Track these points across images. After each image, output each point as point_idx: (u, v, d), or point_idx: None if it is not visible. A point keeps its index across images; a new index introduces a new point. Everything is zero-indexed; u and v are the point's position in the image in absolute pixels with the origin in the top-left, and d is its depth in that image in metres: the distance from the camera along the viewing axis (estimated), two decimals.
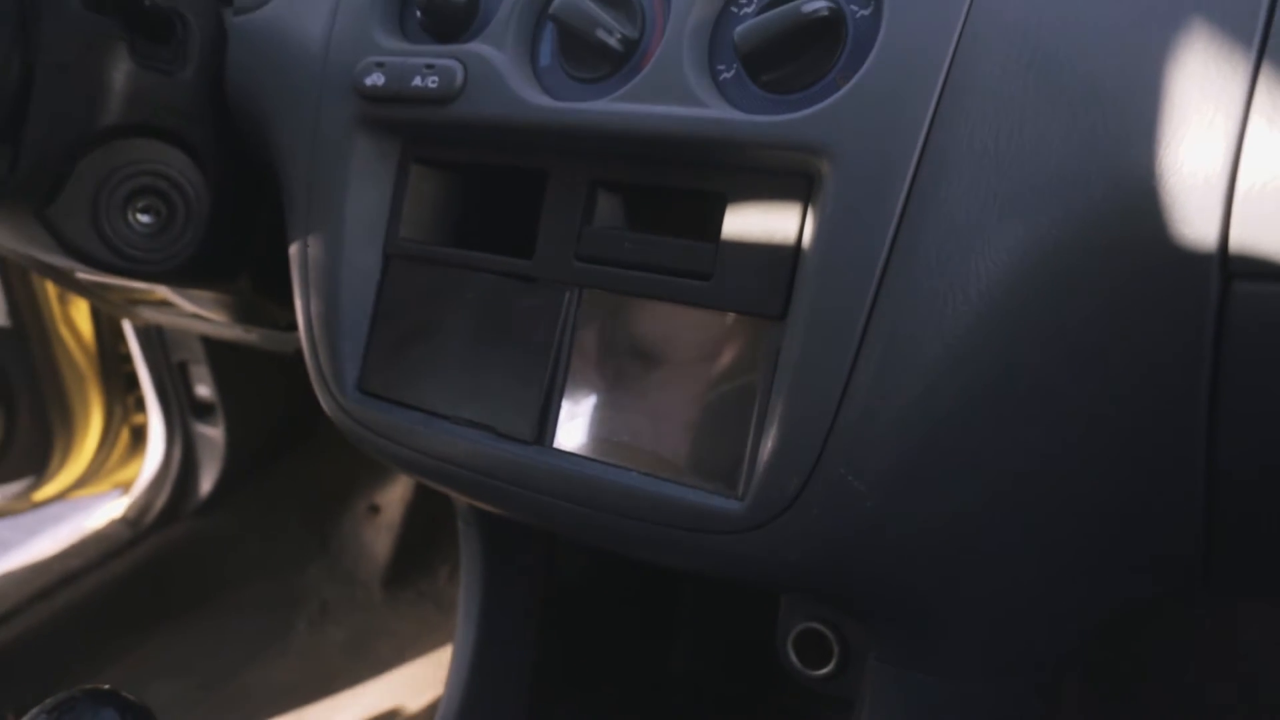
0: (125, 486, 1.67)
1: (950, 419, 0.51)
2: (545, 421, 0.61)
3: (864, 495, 0.51)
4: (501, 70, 0.63)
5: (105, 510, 1.65)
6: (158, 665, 1.40)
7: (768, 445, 0.53)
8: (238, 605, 1.58)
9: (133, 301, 1.25)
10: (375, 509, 1.64)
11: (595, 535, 0.61)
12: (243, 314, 1.05)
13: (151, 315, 1.35)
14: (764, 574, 0.57)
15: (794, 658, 0.68)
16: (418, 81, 0.66)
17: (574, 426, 0.61)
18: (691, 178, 0.58)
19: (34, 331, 1.58)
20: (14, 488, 1.65)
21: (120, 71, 0.79)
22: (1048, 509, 0.54)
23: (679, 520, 0.56)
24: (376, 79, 0.68)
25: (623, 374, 0.60)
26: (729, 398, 0.56)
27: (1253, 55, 0.46)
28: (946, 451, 0.51)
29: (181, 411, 1.60)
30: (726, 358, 0.57)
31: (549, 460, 0.61)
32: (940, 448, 0.51)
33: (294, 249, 0.73)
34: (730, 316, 0.56)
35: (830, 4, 0.54)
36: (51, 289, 1.56)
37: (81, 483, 1.68)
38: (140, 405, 1.65)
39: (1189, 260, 0.48)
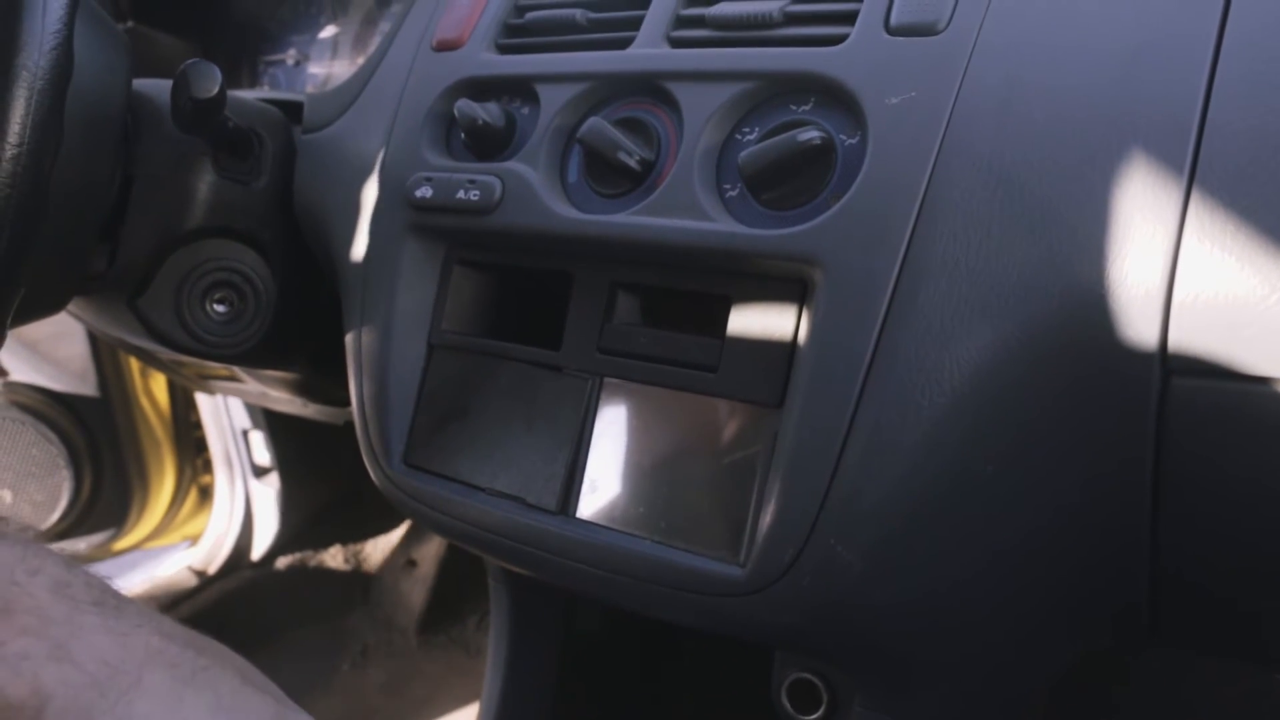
0: (193, 539, 1.66)
1: (927, 499, 0.51)
2: (569, 494, 0.61)
3: (851, 565, 0.51)
4: (535, 186, 0.64)
5: (175, 560, 1.64)
6: None
7: (766, 518, 0.53)
8: (289, 647, 1.56)
9: (204, 377, 1.25)
10: (412, 563, 1.63)
11: (612, 596, 0.61)
12: (301, 390, 1.05)
13: (220, 388, 1.35)
14: (762, 633, 0.57)
15: (787, 704, 0.67)
16: (461, 194, 0.66)
17: (595, 498, 0.61)
18: (700, 282, 0.59)
19: (118, 402, 1.59)
20: (97, 539, 1.64)
21: (205, 182, 0.80)
22: (1015, 580, 0.54)
23: (687, 584, 0.56)
24: (425, 191, 0.68)
25: (639, 452, 0.60)
26: (733, 475, 0.56)
27: (1184, 181, 0.47)
28: (924, 528, 0.51)
29: (243, 474, 1.59)
30: (731, 440, 0.57)
31: (572, 529, 0.61)
32: (919, 525, 0.51)
33: (349, 337, 0.74)
34: (734, 404, 0.56)
35: (822, 134, 0.55)
36: (134, 364, 1.56)
37: (155, 535, 1.67)
38: (208, 467, 1.65)
39: (1133, 360, 0.48)
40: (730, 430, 0.57)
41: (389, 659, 1.55)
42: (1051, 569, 0.55)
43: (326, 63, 1.08)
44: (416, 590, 1.58)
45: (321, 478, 1.62)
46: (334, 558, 1.66)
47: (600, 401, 0.61)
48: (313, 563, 1.65)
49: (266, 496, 1.59)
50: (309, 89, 1.10)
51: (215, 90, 0.72)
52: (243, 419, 1.56)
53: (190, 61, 0.73)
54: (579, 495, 0.61)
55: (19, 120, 0.62)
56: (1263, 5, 0.48)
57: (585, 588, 0.62)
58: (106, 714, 0.38)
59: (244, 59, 1.14)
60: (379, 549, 1.68)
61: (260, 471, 1.60)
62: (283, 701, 0.45)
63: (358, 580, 1.65)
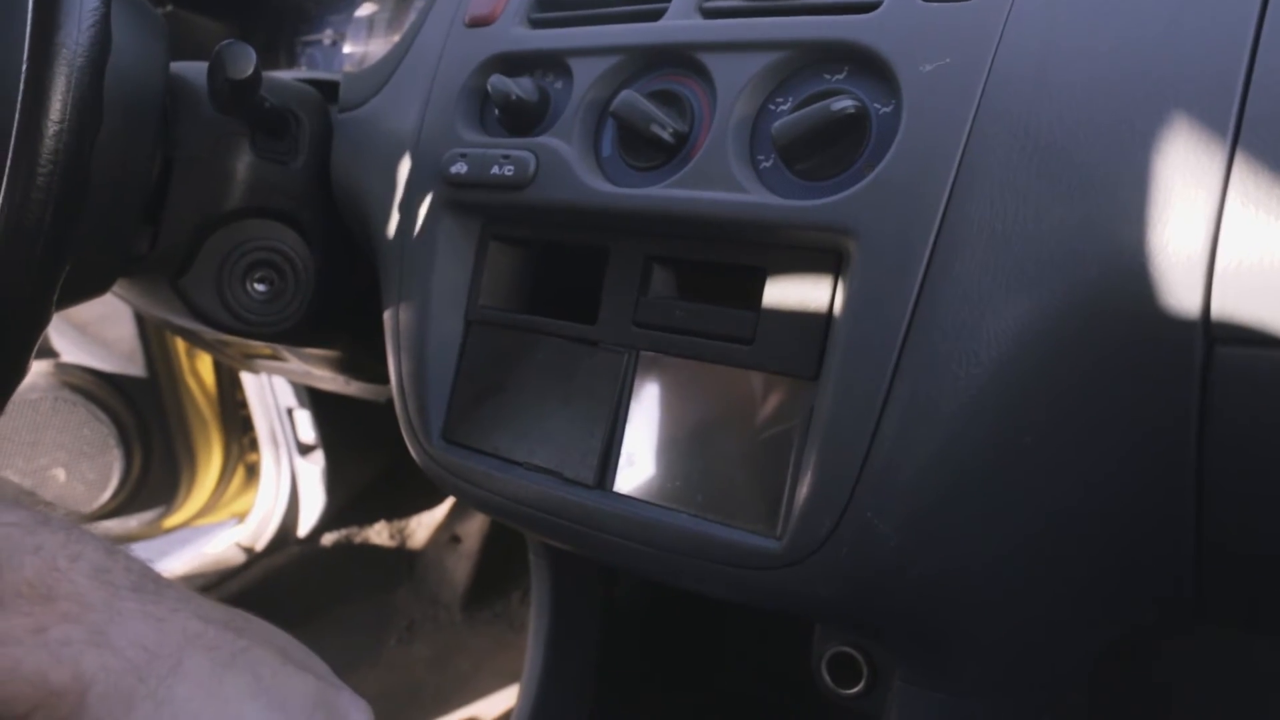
0: (241, 516, 1.68)
1: (964, 472, 0.50)
2: (606, 468, 0.62)
3: (888, 538, 0.51)
4: (569, 160, 0.64)
5: (223, 537, 1.66)
6: None
7: (803, 491, 0.53)
8: (335, 623, 1.58)
9: (248, 356, 1.27)
10: (456, 539, 1.64)
11: (650, 570, 0.61)
12: (343, 368, 1.06)
13: (264, 367, 1.37)
14: (800, 605, 0.57)
15: (827, 678, 0.67)
16: (496, 170, 0.67)
17: (632, 473, 0.61)
18: (735, 254, 0.58)
19: (165, 382, 1.61)
20: (147, 516, 1.67)
21: (243, 163, 0.81)
22: (1054, 554, 0.53)
23: (724, 557, 0.56)
24: (460, 167, 0.69)
25: (675, 426, 0.60)
26: (768, 448, 0.56)
27: (1228, 144, 0.46)
28: (961, 501, 0.51)
29: (289, 452, 1.61)
30: (766, 413, 0.57)
31: (609, 503, 0.61)
32: (956, 497, 0.51)
33: (387, 315, 0.74)
34: (769, 377, 0.56)
35: (856, 103, 0.54)
36: (181, 345, 1.59)
37: (203, 513, 1.70)
38: (254, 446, 1.67)
39: (1176, 328, 0.47)
40: (766, 403, 0.56)
41: (434, 634, 1.57)
42: (1092, 543, 0.54)
43: (363, 41, 1.08)
44: (461, 566, 1.59)
45: (365, 455, 1.64)
46: (379, 534, 1.68)
47: (637, 375, 0.62)
48: (358, 539, 1.67)
49: (312, 474, 1.61)
50: (346, 68, 1.10)
51: (250, 71, 0.73)
52: (287, 397, 1.57)
53: (225, 42, 0.74)
54: (616, 469, 0.61)
55: (60, 97, 0.63)
56: None
57: (623, 561, 0.62)
58: (147, 699, 0.39)
59: (281, 40, 1.15)
60: (423, 525, 1.69)
61: (305, 449, 1.62)
62: (325, 678, 0.46)
63: (403, 556, 1.66)
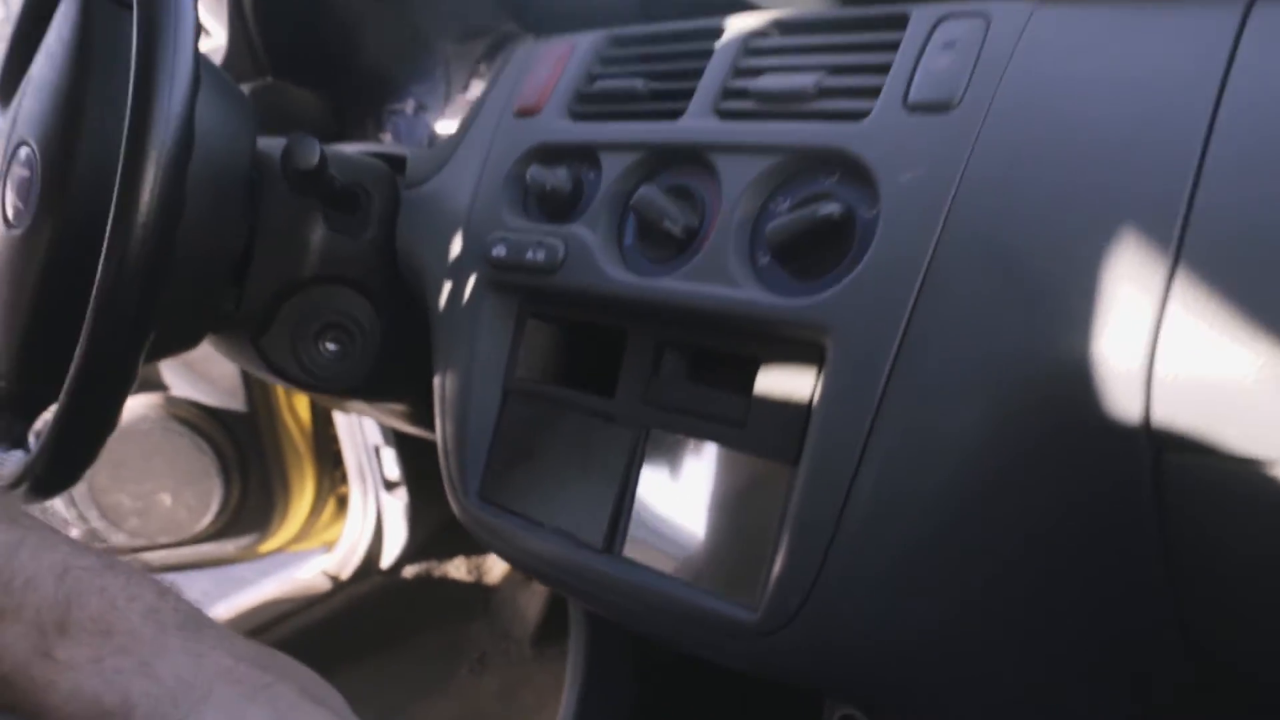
0: (329, 545, 1.78)
1: (923, 565, 0.55)
2: (615, 534, 0.67)
3: (851, 615, 0.55)
4: (593, 249, 0.70)
5: (312, 564, 1.76)
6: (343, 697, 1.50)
7: (776, 567, 0.58)
8: (412, 651, 1.66)
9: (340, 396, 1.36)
10: (529, 578, 1.71)
11: (649, 630, 0.67)
12: (409, 419, 1.14)
13: (353, 408, 1.46)
14: (777, 673, 0.62)
15: None
16: (530, 254, 0.73)
17: (637, 539, 0.66)
18: (733, 343, 0.64)
19: (264, 417, 1.72)
20: (244, 541, 1.78)
21: (317, 236, 0.90)
22: (1011, 637, 0.57)
23: (712, 625, 0.61)
24: (501, 250, 0.75)
25: (677, 499, 0.65)
26: (754, 525, 0.61)
27: (1169, 261, 0.49)
28: (917, 586, 0.55)
29: (375, 487, 1.70)
30: (755, 492, 0.62)
31: (615, 567, 0.66)
32: (911, 582, 0.55)
33: (436, 379, 0.81)
34: (758, 458, 0.61)
35: (842, 207, 0.59)
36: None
37: (295, 540, 1.80)
38: (344, 480, 1.76)
39: (1123, 434, 0.51)
40: (755, 482, 0.61)
41: (504, 667, 1.63)
42: (1073, 637, 0.58)
43: (441, 111, 1.17)
44: (533, 604, 1.66)
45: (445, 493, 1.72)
46: (457, 569, 1.76)
47: (646, 449, 0.67)
48: (437, 573, 1.75)
49: (396, 509, 1.70)
50: (428, 135, 1.19)
51: (315, 162, 0.81)
52: (375, 436, 1.66)
53: (294, 136, 0.82)
54: (624, 536, 0.67)
55: (148, 192, 0.72)
56: (1252, 94, 0.50)
57: (626, 621, 0.68)
58: None
59: (370, 107, 1.24)
60: (499, 563, 1.76)
61: (390, 485, 1.70)
62: (340, 713, 0.52)
63: (478, 591, 1.74)
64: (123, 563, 0.53)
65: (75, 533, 1.74)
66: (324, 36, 1.20)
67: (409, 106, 1.20)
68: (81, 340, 0.76)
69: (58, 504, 1.71)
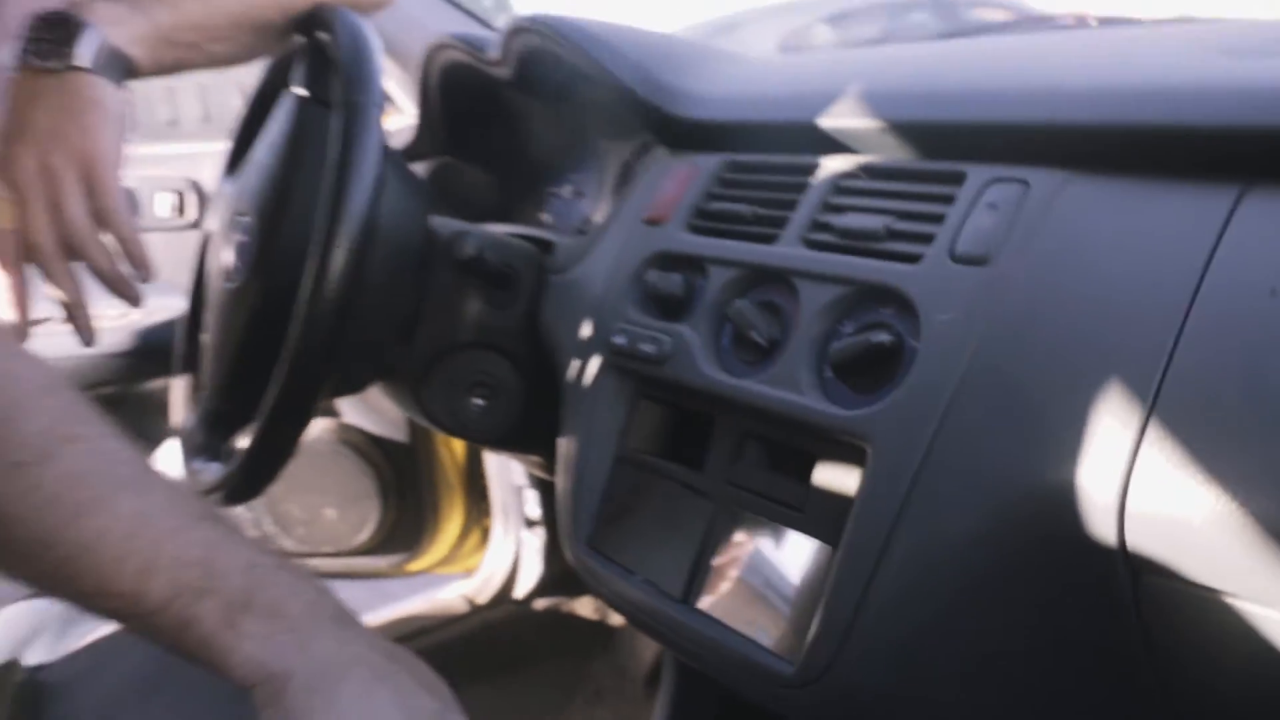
0: (470, 571, 1.95)
1: (930, 636, 0.66)
2: (691, 587, 0.80)
3: (869, 676, 0.67)
4: (694, 348, 0.84)
5: (453, 588, 1.94)
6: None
7: (812, 630, 0.70)
8: (536, 677, 1.82)
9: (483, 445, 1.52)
10: None
11: (712, 672, 0.79)
12: (544, 469, 1.29)
13: (501, 450, 1.63)
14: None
15: None
16: (643, 346, 0.87)
17: (710, 594, 0.80)
18: (798, 439, 0.77)
19: (422, 449, 1.92)
20: (395, 559, 1.98)
21: (474, 308, 1.07)
22: (1009, 714, 0.68)
23: (760, 674, 0.74)
24: (621, 339, 0.90)
25: (744, 563, 0.78)
26: (802, 592, 0.73)
27: (1146, 409, 0.59)
28: (926, 658, 0.67)
29: (517, 523, 1.87)
30: (808, 566, 0.74)
31: (690, 616, 0.80)
32: (921, 653, 0.67)
33: (559, 441, 0.96)
34: (812, 539, 0.74)
35: (893, 336, 0.71)
36: None
37: (441, 564, 1.99)
38: (489, 513, 1.94)
39: (1103, 554, 0.60)
40: (805, 557, 0.74)
41: (618, 704, 1.77)
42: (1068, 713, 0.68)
43: (594, 198, 1.33)
44: (649, 646, 1.79)
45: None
46: (584, 606, 1.90)
47: (724, 519, 0.80)
48: (565, 608, 1.90)
49: (533, 545, 1.86)
50: (582, 217, 1.35)
51: (472, 254, 0.98)
52: (520, 477, 1.83)
53: (456, 230, 0.99)
54: (699, 590, 0.80)
55: (337, 272, 0.90)
56: (1231, 274, 0.60)
57: (696, 663, 0.81)
58: (324, 693, 0.61)
59: (532, 188, 1.42)
60: None
61: (530, 523, 1.87)
62: (446, 703, 0.67)
63: (601, 629, 1.88)
64: (293, 564, 0.70)
65: (251, 534, 1.97)
66: (496, 126, 1.38)
67: (566, 191, 1.37)
68: (275, 379, 0.94)
69: (239, 508, 1.94)
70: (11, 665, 1.01)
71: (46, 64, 0.99)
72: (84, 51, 0.99)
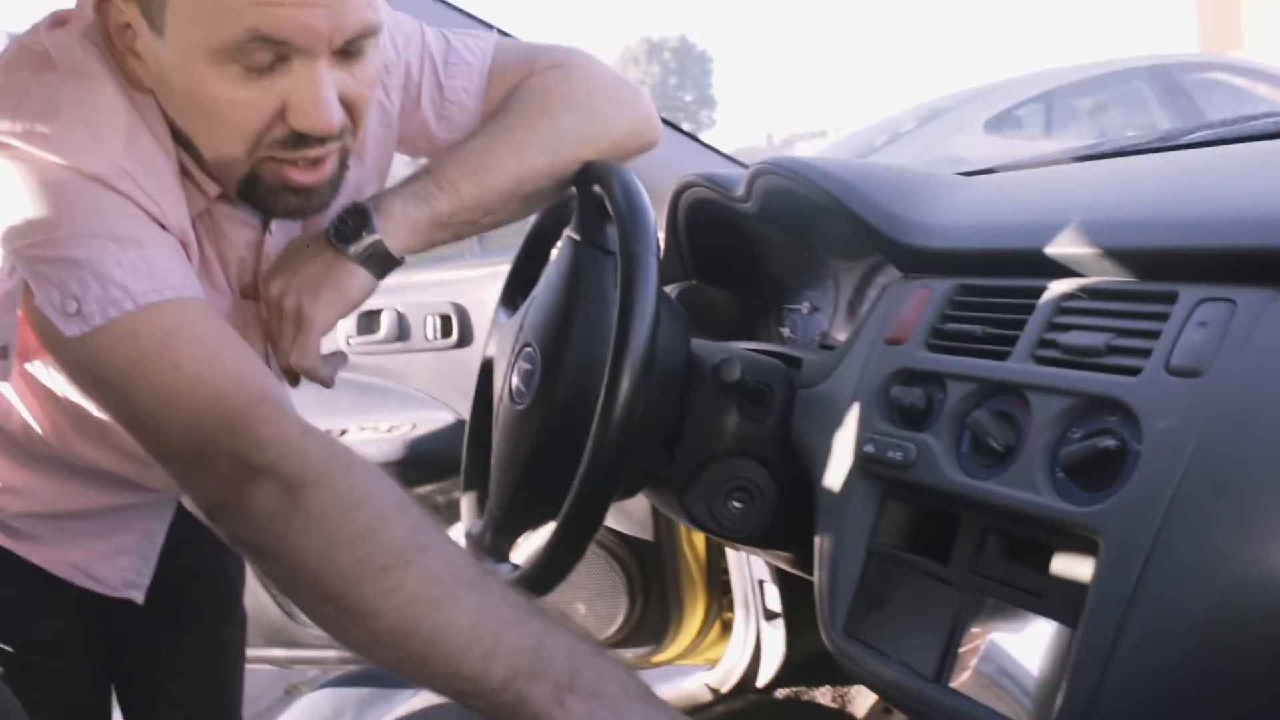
0: (712, 663, 2.08)
1: (1168, 713, 0.76)
2: (943, 667, 0.92)
3: None
4: (937, 454, 0.97)
5: (696, 678, 2.07)
6: None
7: (1056, 706, 0.81)
8: None
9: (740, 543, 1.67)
10: (889, 711, 1.92)
11: None
12: (792, 563, 1.43)
13: (745, 548, 1.77)
14: None
15: None
16: (891, 454, 1.01)
17: (960, 674, 0.91)
18: (1036, 534, 0.88)
19: (667, 547, 2.07)
20: (640, 651, 2.13)
21: (731, 421, 1.22)
22: None
23: None
24: (869, 447, 1.04)
25: (992, 645, 0.90)
26: (1046, 671, 0.84)
27: None
28: None
29: (757, 616, 1.99)
30: (1050, 649, 0.85)
31: (942, 694, 0.91)
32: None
33: (816, 538, 1.10)
34: (1051, 621, 0.85)
35: (1118, 442, 0.83)
36: None
37: (683, 655, 2.13)
38: (730, 606, 2.07)
39: None
40: (1047, 639, 0.85)
41: None
42: None
43: (829, 313, 1.48)
44: None
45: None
46: (824, 695, 2.00)
47: (970, 606, 0.92)
48: (805, 697, 2.01)
49: (774, 636, 1.98)
50: (820, 331, 1.50)
51: (736, 378, 1.14)
52: (760, 571, 1.96)
53: (720, 354, 1.16)
54: (950, 669, 0.92)
55: (623, 395, 1.07)
56: None
57: None
58: None
59: (771, 305, 1.58)
60: (865, 695, 1.99)
61: (770, 615, 1.99)
62: None
63: (841, 716, 1.97)
64: (603, 650, 0.85)
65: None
66: (738, 252, 1.56)
67: (805, 307, 1.53)
68: (574, 490, 1.11)
69: None
70: None
71: (335, 244, 1.13)
72: (359, 247, 1.11)
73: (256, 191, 1.02)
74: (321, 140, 0.99)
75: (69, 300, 0.90)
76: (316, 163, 1.01)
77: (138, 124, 0.99)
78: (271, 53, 0.93)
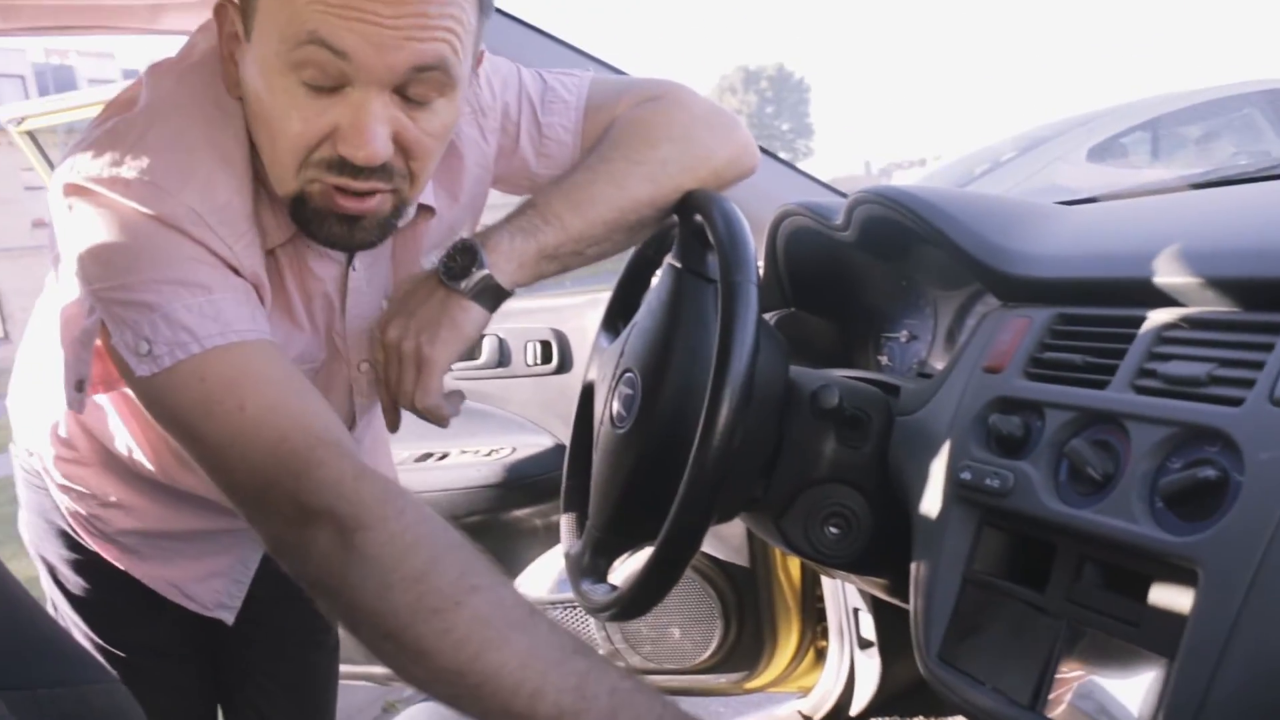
0: (805, 691, 2.09)
1: None
2: (1039, 695, 0.93)
3: None
4: (1035, 482, 0.98)
5: (788, 705, 2.08)
6: None
7: None
8: None
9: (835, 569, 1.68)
10: None
11: None
12: (887, 590, 1.44)
13: (840, 575, 1.78)
14: None
15: None
16: (988, 481, 1.02)
17: (1056, 702, 0.92)
18: (1134, 563, 0.89)
19: (761, 573, 2.09)
20: (734, 677, 2.14)
21: (828, 447, 1.24)
22: None
23: None
24: (966, 475, 1.05)
25: (1086, 674, 0.90)
26: (1144, 701, 0.85)
27: None
28: None
29: (851, 644, 2.00)
30: (1142, 675, 0.85)
31: None
32: None
33: (912, 564, 1.11)
34: (1147, 651, 0.85)
35: (1219, 472, 0.83)
36: None
37: (776, 682, 2.14)
38: (824, 634, 2.08)
39: None
40: (1146, 668, 0.85)
41: None
42: None
43: (926, 341, 1.49)
44: None
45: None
46: None
47: (1066, 634, 0.93)
48: None
49: (867, 665, 1.98)
50: (917, 359, 1.51)
51: (834, 404, 1.16)
52: (855, 600, 1.97)
53: (818, 381, 1.18)
54: (1045, 697, 0.92)
55: (723, 421, 1.09)
56: None
57: None
58: None
59: (869, 333, 1.60)
60: None
61: (865, 644, 1.99)
62: None
63: None
64: (647, 686, 0.88)
65: (602, 650, 2.19)
66: (836, 280, 1.58)
67: (903, 336, 1.54)
68: (672, 513, 1.14)
69: (590, 623, 2.18)
70: None
71: (446, 282, 1.12)
72: (470, 283, 1.12)
73: (304, 213, 1.02)
74: (368, 173, 0.98)
75: (141, 342, 0.94)
76: (363, 195, 1.00)
77: (218, 162, 1.01)
78: (332, 71, 0.93)
